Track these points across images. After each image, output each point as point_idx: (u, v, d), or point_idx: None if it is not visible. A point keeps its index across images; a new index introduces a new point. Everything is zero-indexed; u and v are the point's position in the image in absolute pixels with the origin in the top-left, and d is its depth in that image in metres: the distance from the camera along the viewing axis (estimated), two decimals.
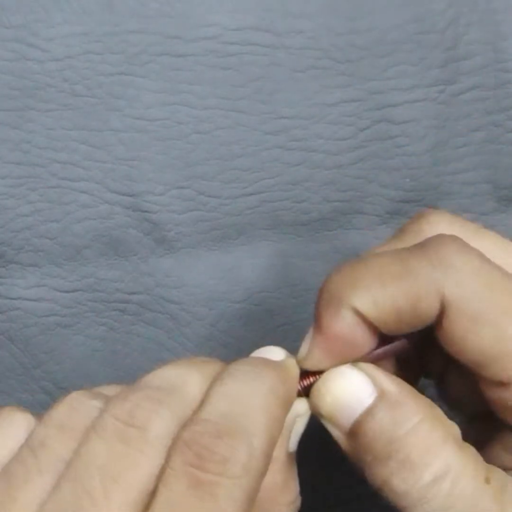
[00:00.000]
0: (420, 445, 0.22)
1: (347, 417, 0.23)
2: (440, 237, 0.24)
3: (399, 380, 0.24)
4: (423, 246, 0.24)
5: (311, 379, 0.25)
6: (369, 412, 0.23)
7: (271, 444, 0.21)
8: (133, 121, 0.35)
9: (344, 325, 0.23)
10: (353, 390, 0.23)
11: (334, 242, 0.36)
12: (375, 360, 0.25)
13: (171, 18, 0.35)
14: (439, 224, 0.26)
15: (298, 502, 0.25)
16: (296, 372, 0.24)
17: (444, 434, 0.23)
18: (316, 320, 0.24)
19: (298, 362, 0.25)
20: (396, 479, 0.22)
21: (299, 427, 0.25)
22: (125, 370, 0.35)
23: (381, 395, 0.23)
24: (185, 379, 0.23)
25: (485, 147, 0.36)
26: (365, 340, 0.24)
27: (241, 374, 0.23)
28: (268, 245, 0.36)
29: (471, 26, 0.36)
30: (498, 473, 0.23)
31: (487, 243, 0.26)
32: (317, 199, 0.35)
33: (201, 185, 0.35)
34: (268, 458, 0.21)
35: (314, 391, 0.24)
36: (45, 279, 0.35)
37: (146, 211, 0.35)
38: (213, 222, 0.35)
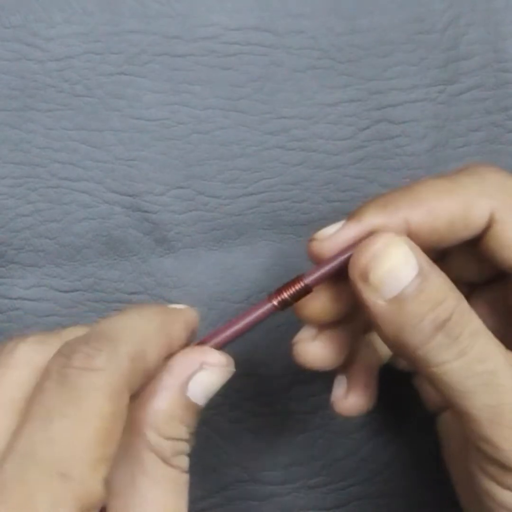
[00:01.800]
0: (460, 315, 0.24)
1: (396, 285, 0.24)
2: (485, 164, 0.26)
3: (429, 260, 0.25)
4: (472, 169, 0.26)
5: (292, 290, 0.25)
6: (414, 282, 0.24)
7: (139, 353, 0.23)
8: (133, 121, 0.35)
9: (391, 228, 0.25)
10: (405, 261, 0.24)
11: None
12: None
13: (171, 18, 0.35)
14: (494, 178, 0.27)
15: (188, 444, 0.25)
16: (188, 317, 0.26)
17: (474, 316, 0.25)
18: (359, 216, 0.25)
19: (315, 241, 0.26)
20: (438, 339, 0.24)
21: (206, 377, 0.25)
22: None
23: (422, 269, 0.24)
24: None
25: (485, 147, 0.36)
26: None
27: (133, 310, 0.25)
28: (268, 245, 0.36)
29: (471, 26, 0.36)
30: None
31: None
32: (317, 199, 0.35)
33: (201, 185, 0.35)
34: (134, 362, 0.23)
35: (368, 258, 0.24)
36: (45, 279, 0.35)
37: (146, 211, 0.35)
38: (213, 222, 0.35)
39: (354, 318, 0.28)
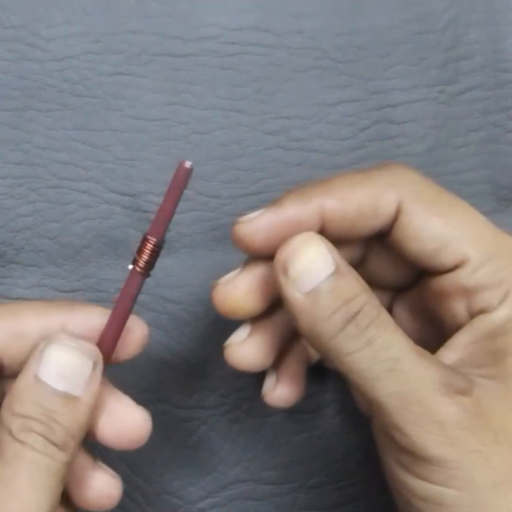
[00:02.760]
0: (370, 309, 0.26)
1: (312, 280, 0.26)
2: (395, 163, 0.29)
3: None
4: (383, 165, 0.28)
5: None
6: (329, 278, 0.25)
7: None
8: (133, 121, 0.35)
9: (307, 214, 0.27)
10: (322, 259, 0.26)
11: None
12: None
13: (171, 18, 0.35)
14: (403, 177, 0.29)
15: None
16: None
17: (383, 311, 0.26)
18: (279, 203, 0.27)
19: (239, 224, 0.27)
20: (347, 330, 0.25)
21: (54, 356, 0.26)
22: (125, 370, 0.35)
23: (338, 267, 0.26)
24: None
25: (485, 147, 0.36)
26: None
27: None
28: None
29: (471, 26, 0.36)
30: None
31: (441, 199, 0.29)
32: None
33: (201, 185, 0.35)
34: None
35: (287, 253, 0.26)
36: (45, 279, 0.35)
37: (146, 211, 0.35)
38: (213, 222, 0.35)
39: (281, 322, 0.30)
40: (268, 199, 0.35)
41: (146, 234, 0.26)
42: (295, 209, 0.27)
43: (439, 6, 0.36)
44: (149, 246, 0.26)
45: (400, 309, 0.31)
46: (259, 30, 0.35)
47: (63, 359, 0.26)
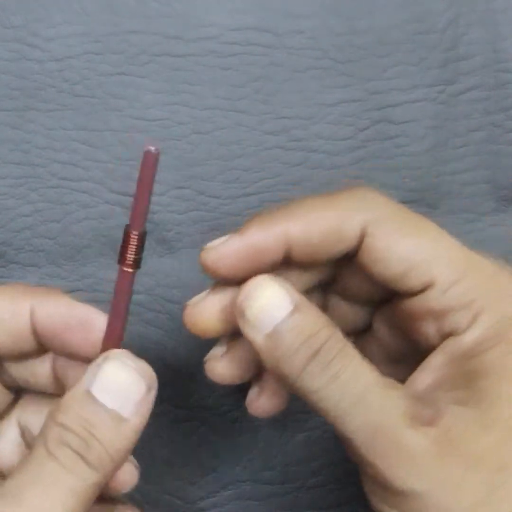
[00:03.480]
0: (332, 343, 0.25)
1: (270, 321, 0.26)
2: (360, 185, 0.28)
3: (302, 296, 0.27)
4: (346, 189, 0.28)
5: None
6: (287, 317, 0.25)
7: None
8: (133, 121, 0.35)
9: (270, 240, 0.27)
10: (277, 299, 0.26)
11: None
12: None
13: (171, 18, 0.35)
14: (369, 202, 0.28)
15: None
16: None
17: (338, 330, 0.26)
18: (243, 231, 0.27)
19: (205, 257, 0.27)
20: (311, 367, 0.25)
21: (107, 372, 0.25)
22: None
23: (296, 305, 0.26)
24: None
25: (485, 147, 0.36)
26: (278, 261, 0.27)
27: None
28: None
29: (471, 26, 0.36)
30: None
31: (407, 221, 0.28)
32: None
33: (201, 185, 0.35)
34: None
35: (243, 298, 0.26)
36: (45, 279, 0.35)
37: None
38: (213, 222, 0.35)
39: None
40: (268, 199, 0.35)
41: (127, 229, 0.26)
42: (258, 236, 0.27)
43: (439, 6, 0.36)
44: (133, 240, 0.26)
45: (379, 323, 0.31)
46: (259, 30, 0.35)
47: (118, 377, 0.25)
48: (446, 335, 0.27)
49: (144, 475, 0.35)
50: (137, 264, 0.26)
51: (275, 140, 0.35)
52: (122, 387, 0.25)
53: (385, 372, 0.26)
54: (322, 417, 0.26)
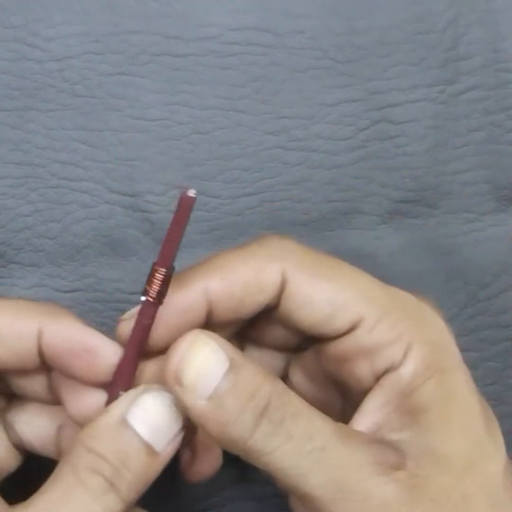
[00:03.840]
0: (278, 398, 0.24)
1: (210, 383, 0.24)
2: (274, 235, 0.28)
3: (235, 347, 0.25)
4: (261, 239, 0.28)
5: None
6: (227, 376, 0.24)
7: None
8: (133, 121, 0.35)
9: (189, 300, 0.26)
10: (213, 358, 0.24)
11: (334, 242, 0.36)
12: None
13: (171, 18, 0.35)
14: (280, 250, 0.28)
15: None
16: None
17: (283, 385, 0.25)
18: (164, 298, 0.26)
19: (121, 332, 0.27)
20: (262, 427, 0.24)
21: (146, 403, 0.25)
22: None
23: (232, 362, 0.24)
24: None
25: (485, 147, 0.36)
26: (201, 320, 0.26)
27: None
28: None
29: (471, 26, 0.36)
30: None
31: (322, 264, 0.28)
32: (317, 199, 0.35)
33: (201, 185, 0.35)
34: None
35: (177, 361, 0.24)
36: (45, 279, 0.35)
37: (146, 211, 0.35)
38: (213, 222, 0.35)
39: None
40: (268, 199, 0.35)
41: (154, 264, 0.26)
42: (178, 297, 0.26)
43: (439, 6, 0.36)
44: (159, 276, 0.26)
45: (296, 373, 0.30)
46: (259, 30, 0.35)
47: (158, 411, 0.25)
48: (380, 373, 0.26)
49: None
50: (160, 299, 0.26)
51: (275, 140, 0.35)
52: (160, 422, 0.25)
53: None
54: (277, 478, 0.24)
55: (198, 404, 0.24)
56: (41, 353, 0.27)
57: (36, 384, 0.28)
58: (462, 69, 0.36)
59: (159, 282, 0.25)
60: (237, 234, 0.35)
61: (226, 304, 0.26)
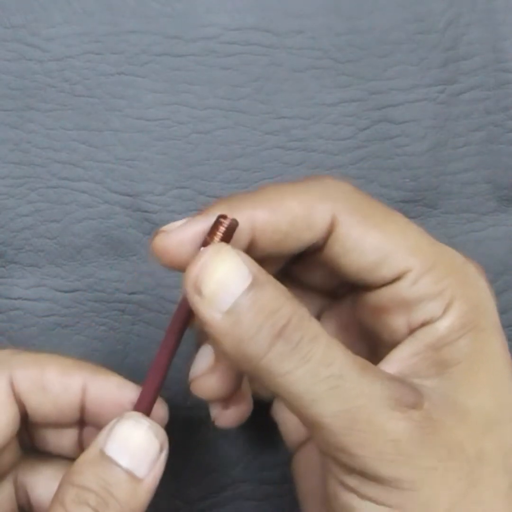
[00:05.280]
0: (298, 321, 0.23)
1: (229, 296, 0.23)
2: (327, 175, 0.27)
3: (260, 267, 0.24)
4: (315, 177, 0.27)
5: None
6: (247, 292, 0.23)
7: None
8: (133, 121, 0.35)
9: (234, 222, 0.25)
10: (236, 271, 0.23)
11: None
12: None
13: (171, 18, 0.35)
14: (336, 189, 0.28)
15: None
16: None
17: (304, 307, 0.24)
18: (205, 212, 0.25)
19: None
20: (278, 347, 0.23)
21: (122, 431, 0.25)
22: (125, 370, 0.35)
23: (255, 278, 0.23)
24: None
25: (485, 147, 0.36)
26: (243, 249, 0.25)
27: None
28: None
29: (471, 26, 0.36)
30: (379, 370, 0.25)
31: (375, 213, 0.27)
32: None
33: (201, 185, 0.35)
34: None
35: (197, 270, 0.24)
36: (45, 279, 0.35)
37: (146, 211, 0.35)
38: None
39: None
40: None
41: (219, 216, 0.25)
42: (226, 211, 0.25)
43: (439, 6, 0.36)
44: (223, 227, 0.24)
45: (329, 322, 0.29)
46: (259, 30, 0.35)
47: (133, 437, 0.25)
48: (416, 326, 0.26)
49: None
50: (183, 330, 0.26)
51: (275, 140, 0.35)
52: (136, 446, 0.25)
53: None
54: (288, 402, 0.24)
55: (215, 317, 0.23)
56: (82, 409, 0.27)
57: (65, 439, 0.29)
58: (462, 69, 0.36)
59: (222, 233, 0.24)
60: None
61: (271, 237, 0.25)
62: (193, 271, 0.23)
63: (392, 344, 0.26)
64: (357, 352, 0.26)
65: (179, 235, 0.25)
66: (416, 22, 0.36)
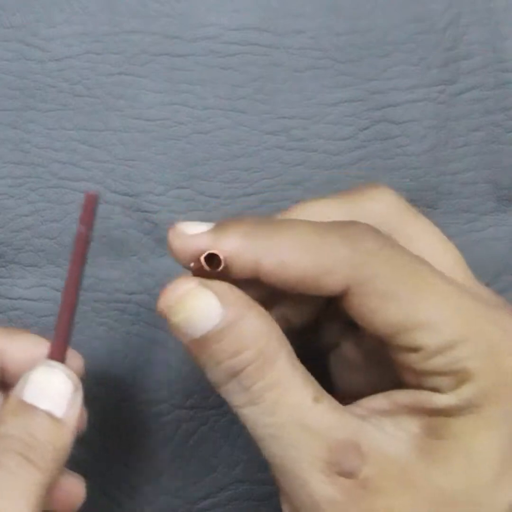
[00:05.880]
0: (256, 368, 0.24)
1: (198, 329, 0.24)
2: (357, 223, 0.25)
3: (244, 297, 0.25)
4: (341, 227, 0.25)
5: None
6: (216, 328, 0.24)
7: None
8: (133, 121, 0.35)
9: (242, 258, 0.24)
10: (207, 308, 0.24)
11: None
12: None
13: (171, 18, 0.35)
14: (385, 200, 0.27)
15: None
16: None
17: (278, 348, 0.24)
18: (223, 229, 0.25)
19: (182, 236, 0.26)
20: (232, 384, 0.25)
21: (36, 376, 0.27)
22: (125, 370, 0.35)
23: (225, 318, 0.24)
24: None
25: (485, 147, 0.36)
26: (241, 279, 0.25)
27: None
28: None
29: (471, 26, 0.36)
30: (328, 397, 0.25)
31: (420, 227, 0.27)
32: None
33: (201, 185, 0.35)
34: None
35: (171, 302, 0.25)
36: (45, 279, 0.35)
37: (146, 211, 0.35)
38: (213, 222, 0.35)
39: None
40: (268, 199, 0.35)
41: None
42: (235, 245, 0.25)
43: (439, 6, 0.36)
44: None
45: (350, 342, 0.29)
46: (259, 30, 0.35)
47: (48, 381, 0.26)
48: (422, 387, 0.25)
49: (144, 475, 0.35)
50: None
51: (275, 140, 0.35)
52: (51, 389, 0.26)
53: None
54: None
55: (184, 341, 0.25)
56: (2, 371, 0.28)
57: None
58: (462, 69, 0.36)
59: (208, 268, 0.25)
60: None
61: (275, 282, 0.25)
62: (162, 303, 0.25)
63: (399, 384, 0.26)
64: (382, 373, 0.27)
65: (188, 241, 0.25)
66: (416, 22, 0.35)
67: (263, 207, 0.35)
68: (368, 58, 0.35)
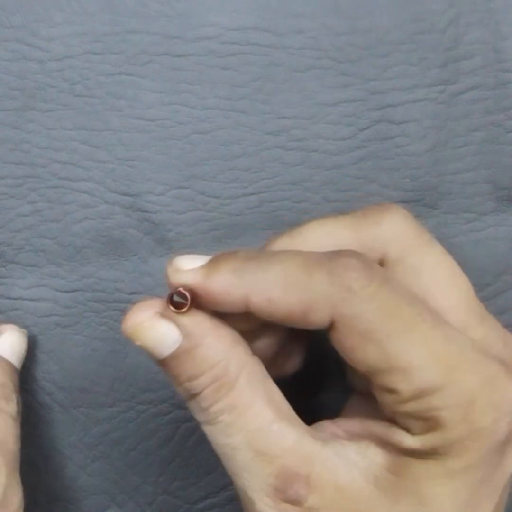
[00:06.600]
0: (212, 392, 0.25)
1: (157, 354, 0.26)
2: (348, 255, 0.25)
3: (205, 323, 0.26)
4: (330, 260, 0.25)
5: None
6: (172, 355, 0.25)
7: None
8: (133, 121, 0.35)
9: (231, 295, 0.25)
10: (159, 337, 0.25)
11: None
12: None
13: (171, 18, 0.35)
14: (395, 225, 0.27)
15: None
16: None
17: (236, 373, 0.25)
18: (214, 266, 0.25)
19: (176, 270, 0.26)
20: (192, 404, 0.26)
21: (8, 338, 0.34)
22: (125, 370, 0.35)
23: (181, 347, 0.25)
24: None
25: (485, 147, 0.36)
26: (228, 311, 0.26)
27: None
28: None
29: (471, 26, 0.36)
30: (290, 420, 0.26)
31: (429, 258, 0.27)
32: (317, 199, 0.35)
33: (201, 185, 0.35)
34: None
35: (126, 327, 0.26)
36: (45, 279, 0.35)
37: (146, 211, 0.35)
38: (213, 222, 0.35)
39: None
40: (268, 199, 0.35)
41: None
42: (224, 283, 0.25)
43: (439, 6, 0.36)
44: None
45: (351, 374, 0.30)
46: (259, 30, 0.35)
47: (13, 339, 0.33)
48: (395, 423, 0.25)
49: (144, 475, 0.35)
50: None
51: (275, 140, 0.35)
52: (16, 346, 0.33)
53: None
54: None
55: (153, 359, 0.26)
56: None
57: None
58: (462, 69, 0.36)
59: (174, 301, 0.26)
60: (237, 234, 0.35)
61: (263, 316, 0.25)
62: (126, 326, 0.26)
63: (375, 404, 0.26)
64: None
65: (182, 276, 0.26)
66: (416, 22, 0.35)
67: (263, 207, 0.35)
68: (368, 58, 0.35)
